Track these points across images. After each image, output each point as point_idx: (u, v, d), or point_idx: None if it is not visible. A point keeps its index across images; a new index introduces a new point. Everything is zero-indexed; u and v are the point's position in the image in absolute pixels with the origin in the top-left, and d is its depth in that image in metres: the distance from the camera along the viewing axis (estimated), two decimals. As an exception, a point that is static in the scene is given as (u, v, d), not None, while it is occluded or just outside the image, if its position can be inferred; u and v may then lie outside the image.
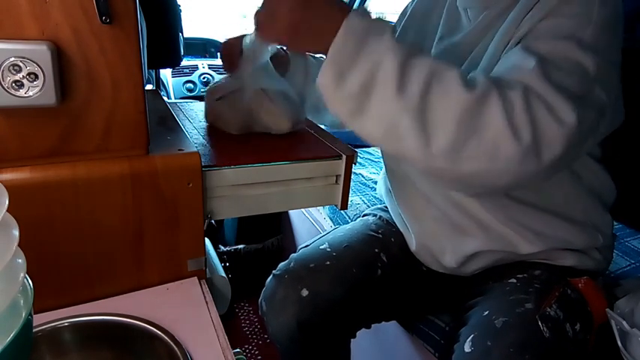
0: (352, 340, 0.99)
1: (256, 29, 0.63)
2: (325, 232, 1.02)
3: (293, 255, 0.93)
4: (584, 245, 0.83)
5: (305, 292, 0.85)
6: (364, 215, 1.10)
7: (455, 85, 0.54)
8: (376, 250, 0.94)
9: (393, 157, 0.59)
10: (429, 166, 0.58)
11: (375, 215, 1.05)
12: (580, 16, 0.61)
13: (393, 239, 0.97)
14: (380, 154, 1.02)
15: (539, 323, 0.69)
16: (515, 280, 0.79)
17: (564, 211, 0.81)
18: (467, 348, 0.68)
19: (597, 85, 0.60)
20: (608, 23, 0.62)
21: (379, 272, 0.91)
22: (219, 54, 1.03)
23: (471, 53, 0.77)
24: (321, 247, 0.93)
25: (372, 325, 0.98)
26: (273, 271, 0.91)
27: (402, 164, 0.89)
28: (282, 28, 0.58)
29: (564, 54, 0.60)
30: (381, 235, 0.97)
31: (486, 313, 0.73)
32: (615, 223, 0.92)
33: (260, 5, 0.61)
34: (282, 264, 0.91)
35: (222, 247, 1.89)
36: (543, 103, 0.55)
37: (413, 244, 0.92)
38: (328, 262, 0.88)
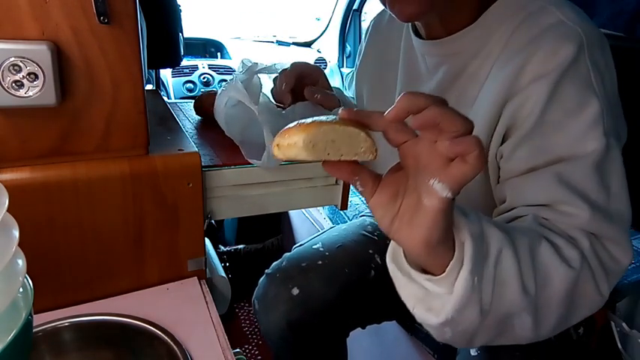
0: (352, 340, 0.99)
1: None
2: (320, 232, 1.01)
3: (286, 254, 0.92)
4: None
5: (296, 291, 0.84)
6: (361, 216, 1.09)
7: (556, 265, 0.50)
8: (370, 252, 0.93)
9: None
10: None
11: (372, 216, 1.05)
12: (592, 118, 0.55)
13: (389, 242, 0.96)
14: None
15: None
16: None
17: None
18: (473, 352, 0.68)
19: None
20: (610, 104, 0.58)
21: (372, 273, 0.90)
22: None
23: None
24: (314, 246, 0.92)
25: (372, 326, 0.98)
26: (266, 270, 0.91)
27: None
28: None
29: (598, 176, 0.55)
30: (376, 237, 0.96)
31: None
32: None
33: None
34: (275, 263, 0.91)
35: (222, 247, 1.89)
36: (607, 253, 0.55)
37: None
38: (320, 262, 0.88)
